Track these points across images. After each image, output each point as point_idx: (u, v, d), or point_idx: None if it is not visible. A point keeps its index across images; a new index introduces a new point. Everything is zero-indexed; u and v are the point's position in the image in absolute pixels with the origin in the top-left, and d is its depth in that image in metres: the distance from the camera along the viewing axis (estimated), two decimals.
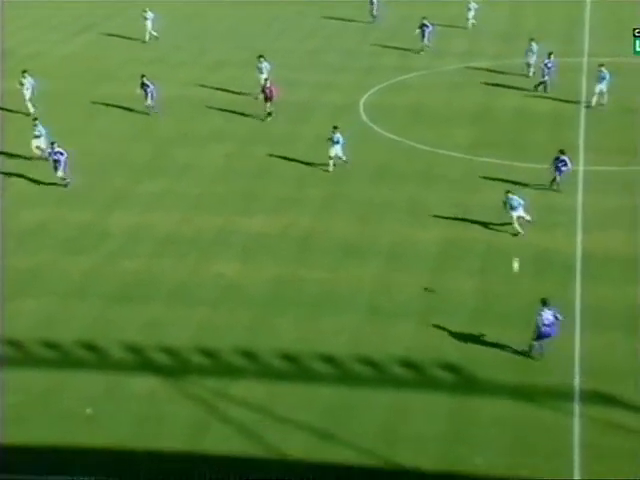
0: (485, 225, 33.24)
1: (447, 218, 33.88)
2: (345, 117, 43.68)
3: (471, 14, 56.89)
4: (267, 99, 42.86)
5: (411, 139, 41.03)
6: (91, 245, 32.33)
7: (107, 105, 44.73)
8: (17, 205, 34.85)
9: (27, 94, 43.47)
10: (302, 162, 38.45)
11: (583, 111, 43.39)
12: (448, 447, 22.88)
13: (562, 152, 35.36)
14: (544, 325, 25.38)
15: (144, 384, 25.13)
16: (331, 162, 37.19)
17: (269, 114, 42.90)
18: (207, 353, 26.37)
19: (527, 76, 47.50)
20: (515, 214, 32.28)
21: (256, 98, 44.09)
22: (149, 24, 54.40)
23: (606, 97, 43.22)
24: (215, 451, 22.66)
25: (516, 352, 26.14)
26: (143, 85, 43.47)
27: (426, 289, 29.08)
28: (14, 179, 36.59)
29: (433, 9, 57.67)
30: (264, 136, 41.47)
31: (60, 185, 36.39)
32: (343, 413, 24.03)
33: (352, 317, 28.03)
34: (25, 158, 38.63)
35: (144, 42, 54.30)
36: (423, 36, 52.38)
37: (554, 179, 35.48)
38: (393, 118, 43.50)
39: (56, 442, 22.81)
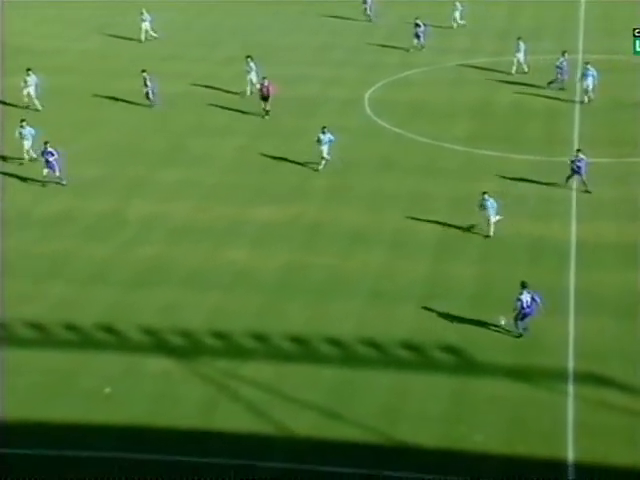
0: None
1: (448, 208, 33.70)
2: (351, 111, 43.54)
3: (457, 14, 56.13)
4: (264, 98, 42.05)
5: (413, 132, 40.83)
6: (110, 233, 32.23)
7: (123, 99, 44.44)
8: (41, 195, 34.73)
9: (32, 91, 43.09)
10: (310, 154, 38.25)
11: (577, 106, 43.11)
12: (448, 425, 22.77)
13: (579, 151, 34.39)
14: (524, 307, 25.46)
15: (159, 364, 25.09)
16: (323, 162, 36.54)
17: (267, 112, 42.14)
18: (219, 335, 26.29)
19: (510, 73, 47.16)
20: (486, 216, 31.19)
21: (242, 96, 43.80)
22: (147, 25, 53.68)
23: (592, 94, 42.82)
24: (226, 428, 22.60)
25: (513, 335, 26.00)
26: (145, 81, 43.47)
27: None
28: (37, 170, 36.42)
29: (432, 8, 57.29)
30: (274, 129, 41.30)
31: (78, 176, 36.27)
32: (348, 393, 23.95)
33: (357, 302, 27.91)
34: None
35: (140, 42, 53.64)
36: (417, 36, 52.02)
37: (569, 176, 34.37)
38: (396, 112, 43.28)
39: (76, 419, 22.78)
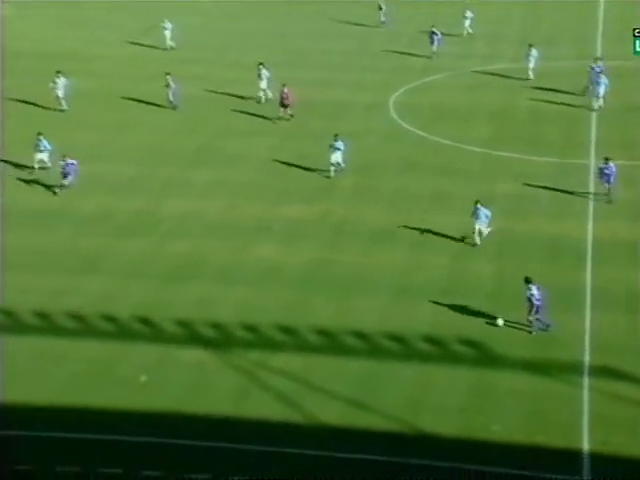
0: (504, 214, 32.90)
1: (468, 207, 33.56)
2: (376, 115, 43.50)
3: (467, 22, 55.64)
4: (283, 105, 41.60)
5: (435, 135, 40.74)
6: (146, 230, 32.36)
7: (154, 103, 44.36)
8: (81, 193, 34.84)
9: (60, 93, 43.23)
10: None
11: (594, 111, 42.79)
12: (468, 416, 22.75)
13: (607, 160, 33.41)
14: (537, 300, 25.45)
15: (193, 355, 25.18)
16: (332, 168, 35.69)
17: (282, 117, 41.64)
18: (249, 328, 26.36)
19: (527, 79, 46.92)
20: (477, 225, 30.40)
21: (258, 102, 43.67)
22: (167, 34, 53.49)
23: (602, 102, 42.40)
24: (256, 416, 22.65)
25: (531, 330, 25.92)
26: (168, 84, 43.55)
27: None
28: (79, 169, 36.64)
29: (444, 16, 57.07)
30: (302, 131, 41.28)
31: (117, 176, 36.43)
32: (372, 384, 23.96)
33: (381, 297, 27.91)
34: (77, 149, 38.81)
35: (165, 49, 53.49)
36: (432, 43, 51.82)
37: (608, 190, 33.17)
38: (419, 116, 43.20)
39: (114, 406, 22.89)
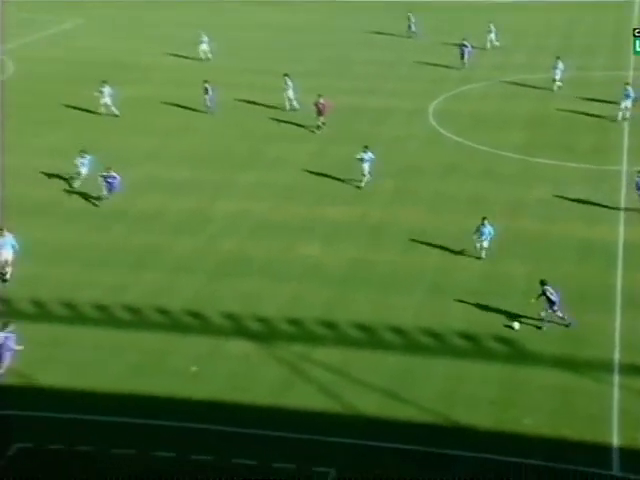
0: (538, 217, 32.71)
1: (503, 210, 33.42)
2: (416, 121, 43.43)
3: (492, 36, 55.05)
4: (319, 113, 41.37)
5: (473, 141, 40.55)
6: (197, 228, 32.60)
7: (204, 110, 44.59)
8: (136, 192, 35.18)
9: (107, 100, 43.56)
10: (378, 159, 38.21)
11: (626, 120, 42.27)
12: (500, 409, 22.63)
13: None
14: (552, 294, 25.40)
15: (239, 347, 25.32)
16: (364, 178, 35.17)
17: (320, 126, 41.44)
18: (293, 322, 26.46)
19: (552, 90, 46.39)
20: (478, 243, 29.44)
21: (288, 110, 43.52)
22: (204, 47, 53.66)
23: (628, 114, 41.72)
24: (298, 405, 22.73)
25: (562, 328, 25.70)
26: (206, 89, 43.84)
27: None
28: (133, 170, 37.06)
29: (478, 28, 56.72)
30: (344, 136, 41.31)
31: (169, 177, 36.76)
32: (408, 377, 23.92)
33: (417, 294, 27.86)
34: (134, 152, 39.26)
35: (202, 60, 53.61)
36: (463, 55, 51.44)
37: None
38: (457, 123, 43.03)
39: (166, 394, 23.09)
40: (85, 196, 34.66)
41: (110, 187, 33.70)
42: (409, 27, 59.18)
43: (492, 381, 23.69)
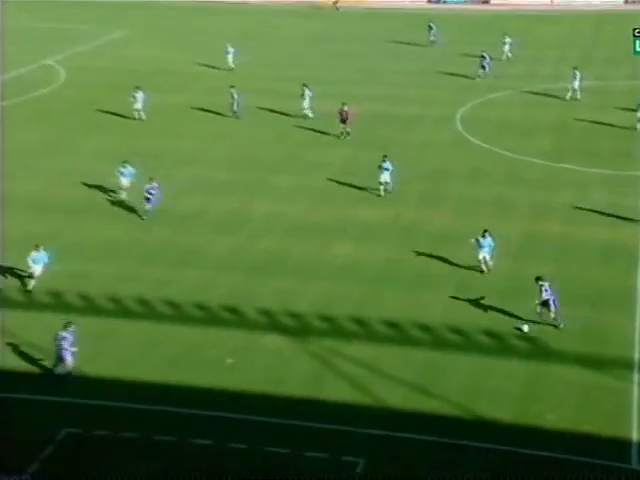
0: (562, 221, 32.40)
1: (529, 214, 33.17)
2: (444, 127, 43.26)
3: (506, 47, 54.41)
4: (343, 121, 40.96)
5: (499, 147, 40.27)
6: (235, 228, 32.68)
7: (250, 114, 44.89)
8: (178, 194, 35.23)
9: (139, 105, 43.69)
10: (408, 164, 38.19)
11: None
12: (523, 404, 22.44)
13: None
14: (547, 294, 25.11)
15: (274, 341, 25.32)
16: (382, 187, 34.39)
17: (346, 133, 41.04)
18: (325, 318, 26.43)
19: (564, 99, 45.89)
20: (482, 255, 28.30)
21: (305, 118, 43.36)
22: (230, 57, 53.55)
23: None
24: (330, 398, 22.70)
25: (585, 326, 25.41)
26: (232, 95, 43.98)
27: None
28: (175, 173, 37.30)
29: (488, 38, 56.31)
30: (375, 142, 41.21)
31: (210, 180, 36.91)
32: (435, 372, 23.80)
33: (445, 293, 27.67)
34: (176, 156, 39.48)
35: (230, 70, 53.44)
36: (482, 66, 50.96)
37: None
38: (484, 129, 42.77)
39: (203, 384, 23.17)
40: (131, 197, 34.89)
41: (150, 199, 32.73)
42: (429, 36, 58.98)
43: (515, 377, 23.49)
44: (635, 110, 41.80)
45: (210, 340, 25.34)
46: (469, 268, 29.09)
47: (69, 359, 23.02)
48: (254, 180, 37.07)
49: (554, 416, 21.77)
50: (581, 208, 33.34)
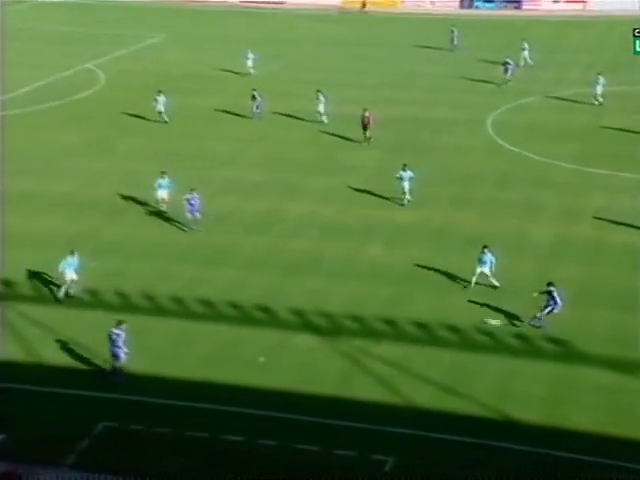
0: (591, 224, 32.10)
1: (558, 217, 32.90)
2: (475, 132, 43.05)
3: (525, 53, 53.77)
4: (364, 127, 40.60)
5: (529, 151, 39.99)
6: (269, 228, 32.75)
7: (280, 119, 44.98)
8: (213, 195, 35.10)
9: (161, 108, 43.79)
10: (439, 167, 38.10)
11: None
12: (550, 406, 22.30)
13: None
14: (556, 301, 24.84)
15: (305, 340, 25.35)
16: (404, 196, 33.92)
17: (368, 139, 40.67)
18: (355, 318, 26.43)
19: (593, 104, 45.48)
20: (480, 269, 27.39)
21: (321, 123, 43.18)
22: (249, 62, 53.45)
23: None
24: (359, 397, 22.71)
25: (613, 329, 25.16)
26: (253, 97, 44.13)
27: None
28: (210, 174, 37.52)
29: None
30: (407, 145, 41.17)
31: (244, 181, 37.07)
32: (463, 373, 23.71)
33: (474, 295, 27.52)
34: (211, 157, 39.70)
35: (238, 74, 53.45)
36: (506, 71, 50.54)
37: None
38: (514, 133, 42.49)
39: (236, 382, 23.25)
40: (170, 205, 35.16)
41: (192, 210, 31.82)
42: (452, 40, 58.70)
43: (543, 379, 23.34)
44: None
45: (243, 339, 25.43)
46: (496, 271, 28.88)
47: (122, 357, 23.09)
48: (287, 181, 37.15)
49: (581, 418, 21.58)
50: (610, 212, 32.99)
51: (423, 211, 33.89)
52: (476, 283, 27.61)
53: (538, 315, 25.25)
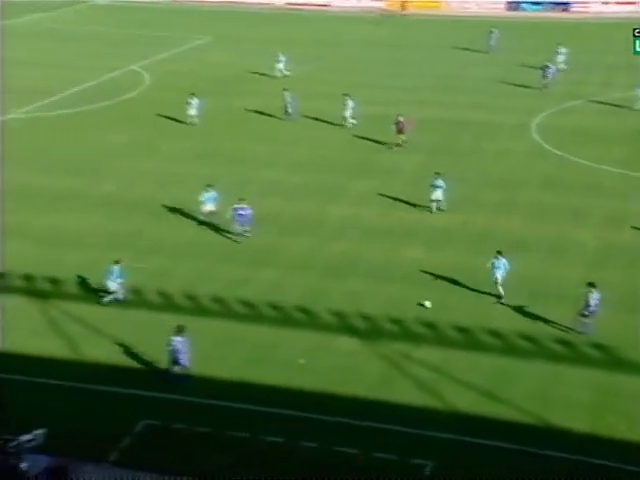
0: (637, 229, 31.52)
1: (603, 221, 32.39)
2: (519, 135, 42.61)
3: (561, 58, 52.92)
4: (399, 132, 40.28)
5: (574, 155, 39.45)
6: (310, 230, 32.69)
7: (322, 120, 44.87)
8: (256, 196, 34.73)
9: (193, 111, 43.88)
10: (482, 171, 37.76)
11: None
12: (594, 413, 21.93)
13: None
14: (594, 305, 24.43)
15: (345, 343, 25.27)
16: (433, 205, 33.26)
17: (400, 143, 40.28)
18: (395, 321, 26.30)
19: (631, 108, 44.82)
20: (497, 275, 26.97)
21: (348, 127, 42.81)
22: (281, 65, 53.37)
23: None
24: (398, 400, 22.58)
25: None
26: (285, 98, 44.05)
27: None
28: (253, 175, 37.64)
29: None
30: (450, 148, 40.91)
31: (286, 183, 37.12)
32: (504, 378, 23.45)
33: (516, 300, 27.19)
34: (253, 158, 39.84)
35: (269, 77, 53.34)
36: (545, 76, 49.81)
37: None
38: (559, 137, 41.95)
39: (276, 383, 23.33)
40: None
41: (242, 220, 31.15)
42: (489, 41, 58.21)
43: (586, 385, 22.98)
44: None
45: (283, 340, 25.45)
46: (539, 275, 28.58)
47: (185, 362, 23.10)
48: (327, 184, 37.09)
49: (625, 427, 21.19)
50: None
51: (464, 215, 33.62)
52: (511, 288, 27.23)
53: (581, 320, 24.83)
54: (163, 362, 23.86)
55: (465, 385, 23.08)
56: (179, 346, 22.96)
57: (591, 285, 24.88)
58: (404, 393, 22.83)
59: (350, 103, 43.51)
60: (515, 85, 51.21)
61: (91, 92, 50.69)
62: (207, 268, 29.74)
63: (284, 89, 45.18)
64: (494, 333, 25.50)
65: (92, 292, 28.03)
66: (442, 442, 21.04)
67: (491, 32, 58.60)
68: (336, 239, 31.98)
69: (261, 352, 24.87)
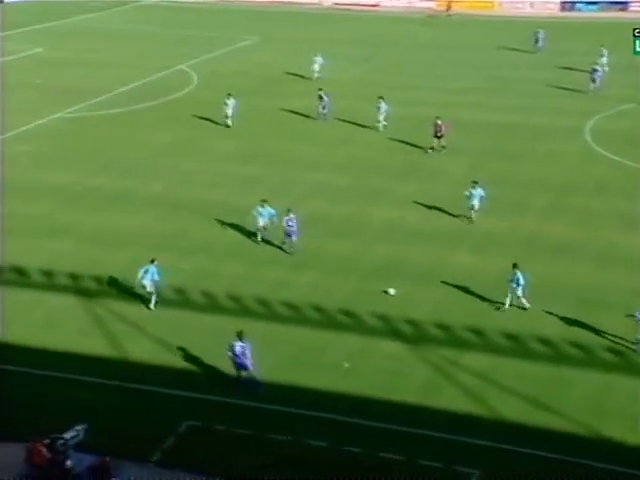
0: None
1: None
2: (572, 139, 42.01)
3: (604, 60, 51.71)
4: (437, 136, 39.76)
5: (628, 159, 38.72)
6: (355, 232, 32.58)
7: (368, 122, 44.53)
8: (301, 198, 34.98)
9: (229, 112, 43.79)
10: (534, 174, 37.27)
11: None
12: None
13: None
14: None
15: (390, 347, 25.09)
16: (473, 213, 32.72)
17: (434, 147, 39.89)
18: (441, 326, 26.05)
19: None
20: (516, 290, 26.44)
21: (378, 130, 42.46)
22: (316, 67, 53.22)
23: None
24: (444, 407, 22.36)
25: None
26: (320, 97, 44.05)
27: None
28: (298, 177, 37.62)
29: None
30: (499, 151, 40.45)
31: (331, 184, 37.01)
32: (554, 386, 23.05)
33: (564, 306, 26.73)
34: (299, 160, 39.79)
35: (310, 79, 53.04)
36: (594, 79, 48.83)
37: None
38: (613, 141, 41.23)
39: (320, 386, 23.16)
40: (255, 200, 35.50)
41: (291, 232, 30.54)
42: (535, 42, 57.50)
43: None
44: None
45: (327, 343, 25.35)
46: (587, 282, 28.08)
47: (250, 367, 22.99)
48: (372, 186, 36.91)
49: None
50: None
51: (513, 219, 33.20)
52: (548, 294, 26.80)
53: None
54: (205, 365, 23.90)
55: (512, 393, 22.73)
56: (240, 351, 22.90)
57: None
58: (450, 399, 22.58)
59: (383, 106, 43.19)
60: (562, 88, 50.45)
61: (139, 92, 51.23)
62: (251, 269, 29.78)
63: (319, 89, 45.13)
64: (543, 340, 25.11)
65: (136, 292, 28.25)
66: (489, 451, 20.74)
67: (537, 32, 57.93)
68: (381, 242, 31.79)
69: (305, 355, 24.77)
